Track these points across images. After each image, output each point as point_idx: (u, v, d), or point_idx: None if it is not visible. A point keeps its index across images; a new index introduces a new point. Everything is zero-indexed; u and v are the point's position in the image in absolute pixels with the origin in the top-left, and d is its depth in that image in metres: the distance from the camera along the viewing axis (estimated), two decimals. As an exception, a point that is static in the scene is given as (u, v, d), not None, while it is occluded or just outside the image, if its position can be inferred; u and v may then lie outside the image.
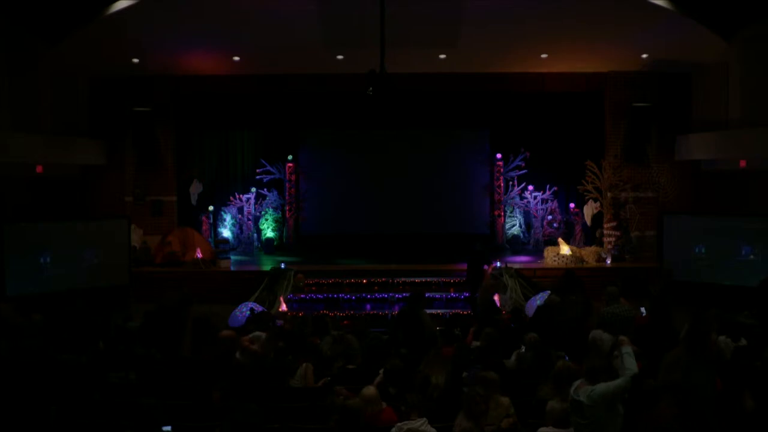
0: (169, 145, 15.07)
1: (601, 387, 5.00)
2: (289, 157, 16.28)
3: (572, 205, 15.86)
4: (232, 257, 14.77)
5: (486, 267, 11.43)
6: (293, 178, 16.30)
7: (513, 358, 7.48)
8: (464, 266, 12.09)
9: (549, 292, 11.74)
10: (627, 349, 5.20)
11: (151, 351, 7.67)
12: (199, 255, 13.81)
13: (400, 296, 12.05)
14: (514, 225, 16.40)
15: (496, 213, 16.20)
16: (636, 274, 12.74)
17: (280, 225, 16.42)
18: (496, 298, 11.74)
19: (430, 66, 14.13)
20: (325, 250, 15.59)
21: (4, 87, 12.07)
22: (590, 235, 15.32)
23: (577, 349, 7.44)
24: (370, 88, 9.58)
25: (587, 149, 15.09)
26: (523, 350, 7.48)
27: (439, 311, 11.46)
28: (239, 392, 5.89)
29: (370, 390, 5.86)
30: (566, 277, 9.67)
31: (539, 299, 11.47)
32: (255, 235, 16.22)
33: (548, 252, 14.21)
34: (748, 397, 5.65)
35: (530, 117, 15.48)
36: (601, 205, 15.01)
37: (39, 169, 12.96)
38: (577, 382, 5.25)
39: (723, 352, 7.21)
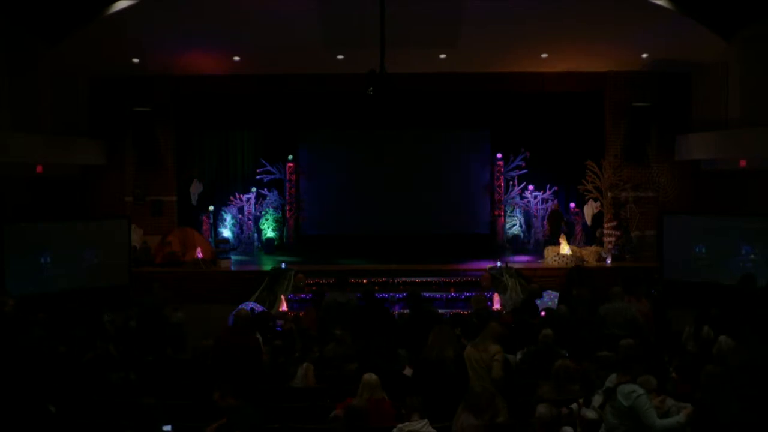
0: (169, 145, 15.06)
1: (642, 401, 4.87)
2: (289, 157, 16.27)
3: (572, 205, 15.85)
4: (233, 257, 14.76)
5: None
6: (293, 178, 16.29)
7: (518, 356, 7.49)
8: (464, 266, 12.08)
9: (550, 291, 11.82)
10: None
11: (147, 355, 7.72)
12: (200, 255, 13.81)
13: (400, 296, 12.04)
14: (514, 225, 16.39)
15: (496, 213, 16.18)
16: (636, 274, 12.75)
17: (280, 225, 16.41)
18: (496, 298, 11.76)
19: (430, 66, 14.12)
20: (325, 250, 15.58)
21: (4, 87, 12.06)
22: (590, 235, 15.32)
23: (581, 347, 7.45)
24: (370, 88, 9.58)
25: (587, 149, 15.09)
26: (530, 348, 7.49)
27: (439, 311, 11.43)
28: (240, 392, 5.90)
29: (372, 377, 5.89)
30: (574, 271, 9.79)
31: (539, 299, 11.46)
32: (255, 235, 16.21)
33: (548, 252, 14.20)
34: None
35: (530, 117, 15.46)
36: (601, 205, 15.01)
37: (39, 169, 12.95)
38: (613, 375, 5.15)
39: (723, 352, 7.22)
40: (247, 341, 7.32)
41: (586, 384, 6.04)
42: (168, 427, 5.31)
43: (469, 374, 6.40)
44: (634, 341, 6.74)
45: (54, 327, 7.95)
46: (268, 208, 16.30)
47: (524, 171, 16.17)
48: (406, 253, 14.79)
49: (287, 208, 16.29)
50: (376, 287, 10.29)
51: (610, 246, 14.49)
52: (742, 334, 7.07)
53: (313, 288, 11.78)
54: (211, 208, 15.83)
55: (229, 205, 16.12)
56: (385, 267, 13.52)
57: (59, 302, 9.26)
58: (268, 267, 13.36)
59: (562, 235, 14.51)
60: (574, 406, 5.72)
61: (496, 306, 11.61)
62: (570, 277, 9.91)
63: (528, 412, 5.75)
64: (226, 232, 16.08)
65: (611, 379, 5.20)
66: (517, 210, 16.32)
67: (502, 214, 16.20)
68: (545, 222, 15.70)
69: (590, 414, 5.61)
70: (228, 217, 16.14)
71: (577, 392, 6.04)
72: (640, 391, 4.99)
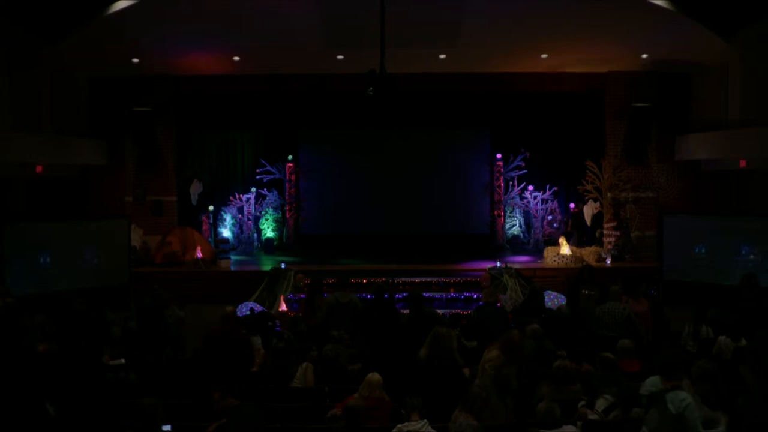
0: (169, 145, 15.07)
1: (691, 409, 4.78)
2: (289, 157, 16.28)
3: (572, 205, 15.86)
4: (232, 257, 14.76)
5: None
6: (293, 178, 16.30)
7: None
8: (464, 266, 12.06)
9: (550, 292, 11.83)
10: None
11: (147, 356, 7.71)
12: (199, 255, 13.81)
13: (400, 296, 12.03)
14: (514, 225, 16.41)
15: (496, 213, 16.20)
16: (635, 274, 12.75)
17: (280, 225, 16.41)
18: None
19: (430, 66, 14.13)
20: (325, 250, 15.59)
21: (4, 87, 12.06)
22: (590, 236, 15.31)
23: (579, 347, 7.45)
24: (370, 88, 9.57)
25: (587, 149, 15.09)
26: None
27: (439, 311, 11.42)
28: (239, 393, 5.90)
29: (375, 376, 5.91)
30: (585, 271, 9.83)
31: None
32: (255, 235, 16.22)
33: (548, 252, 14.20)
34: None
35: (530, 117, 15.47)
36: (601, 206, 15.01)
37: (39, 169, 12.94)
38: (654, 378, 5.08)
39: (723, 352, 7.23)
40: (232, 336, 7.39)
41: (588, 387, 6.01)
42: (168, 427, 5.31)
43: (462, 376, 6.40)
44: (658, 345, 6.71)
45: (59, 329, 7.89)
46: (268, 208, 16.31)
47: (524, 171, 16.17)
48: (406, 253, 14.80)
49: (287, 208, 16.30)
50: (386, 287, 10.23)
51: (609, 246, 14.49)
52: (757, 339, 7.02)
53: (307, 281, 11.78)
54: (211, 208, 15.84)
55: (229, 205, 16.13)
56: (385, 267, 13.52)
57: (62, 303, 9.16)
58: (267, 267, 13.35)
59: (561, 236, 14.54)
60: (582, 404, 5.73)
61: (498, 305, 11.60)
62: (580, 276, 9.93)
63: (527, 412, 5.75)
64: (226, 232, 16.09)
65: (654, 384, 5.08)
66: (517, 210, 16.33)
67: (502, 214, 16.21)
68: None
69: (593, 417, 5.61)
70: (228, 217, 16.15)
71: (576, 392, 6.04)
72: (689, 399, 4.90)
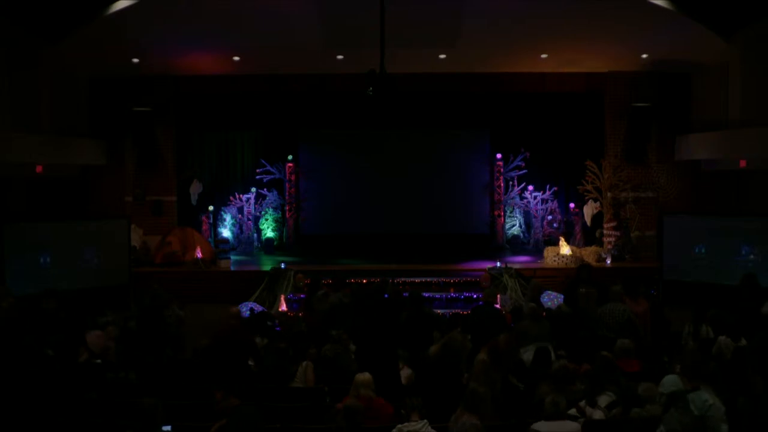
0: (169, 145, 15.07)
1: (715, 411, 4.78)
2: (289, 157, 16.28)
3: (572, 205, 15.85)
4: (232, 257, 14.76)
5: None
6: (293, 178, 16.30)
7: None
8: (464, 266, 12.04)
9: (550, 292, 11.83)
10: None
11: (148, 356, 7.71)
12: (199, 255, 13.81)
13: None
14: (514, 225, 16.40)
15: (496, 213, 16.19)
16: (635, 274, 12.74)
17: (280, 225, 16.41)
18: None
19: (430, 66, 14.13)
20: (325, 250, 15.58)
21: (4, 87, 12.06)
22: (590, 235, 15.31)
23: (580, 347, 7.45)
24: (370, 88, 9.57)
25: (587, 149, 15.09)
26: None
27: (439, 311, 11.43)
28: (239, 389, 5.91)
29: (364, 375, 5.92)
30: (583, 270, 9.85)
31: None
32: (255, 235, 16.22)
33: (548, 252, 14.20)
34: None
35: (530, 117, 15.47)
36: (601, 205, 15.00)
37: (39, 169, 12.94)
38: (673, 377, 5.05)
39: (723, 352, 7.22)
40: (240, 336, 7.38)
41: (593, 384, 6.02)
42: (168, 427, 5.31)
43: (461, 383, 6.40)
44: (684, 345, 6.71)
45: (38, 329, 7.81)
46: (268, 208, 16.31)
47: (524, 171, 16.17)
48: (406, 253, 14.80)
49: (287, 208, 16.30)
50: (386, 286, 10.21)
51: (609, 246, 14.49)
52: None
53: (307, 281, 11.77)
54: (211, 208, 15.84)
55: (229, 205, 16.12)
56: (385, 267, 13.50)
57: (36, 303, 8.97)
58: (267, 267, 13.36)
59: (561, 235, 14.55)
60: (582, 403, 5.74)
61: (496, 306, 11.59)
62: (579, 275, 9.94)
63: (527, 412, 5.75)
64: (226, 232, 16.09)
65: (674, 383, 5.05)
66: (517, 210, 16.33)
67: (502, 214, 16.20)
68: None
69: (598, 415, 5.62)
70: (228, 217, 16.14)
71: (576, 392, 6.04)
72: (712, 400, 4.88)
